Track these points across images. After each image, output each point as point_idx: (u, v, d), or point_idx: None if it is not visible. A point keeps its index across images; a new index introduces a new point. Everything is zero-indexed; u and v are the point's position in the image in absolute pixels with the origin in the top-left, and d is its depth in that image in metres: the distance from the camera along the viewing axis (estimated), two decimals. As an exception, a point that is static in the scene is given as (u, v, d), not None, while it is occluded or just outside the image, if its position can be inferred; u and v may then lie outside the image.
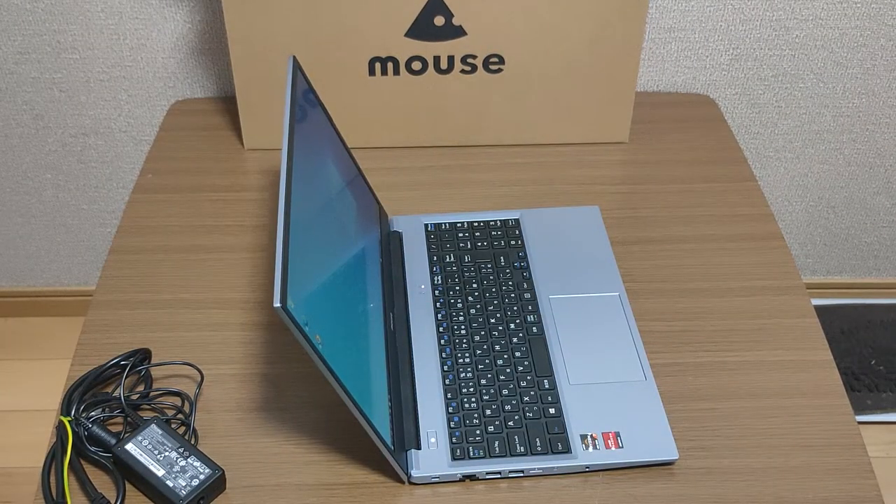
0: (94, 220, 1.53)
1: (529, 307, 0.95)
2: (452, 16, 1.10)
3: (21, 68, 1.34)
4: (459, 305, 0.96)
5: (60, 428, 0.83)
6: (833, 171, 1.48)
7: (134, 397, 0.88)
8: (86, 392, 0.86)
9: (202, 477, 0.79)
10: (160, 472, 0.79)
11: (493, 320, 0.94)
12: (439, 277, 0.99)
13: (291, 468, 0.82)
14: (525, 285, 0.98)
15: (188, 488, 0.78)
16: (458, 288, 0.98)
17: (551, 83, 1.16)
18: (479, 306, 0.96)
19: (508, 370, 0.89)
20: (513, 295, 0.97)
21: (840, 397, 0.88)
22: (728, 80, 1.36)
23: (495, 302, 0.96)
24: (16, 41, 1.31)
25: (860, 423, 0.86)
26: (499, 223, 1.06)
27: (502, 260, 1.01)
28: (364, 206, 0.98)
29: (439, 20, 1.10)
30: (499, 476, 0.82)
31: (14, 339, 1.66)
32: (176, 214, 1.11)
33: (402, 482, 0.81)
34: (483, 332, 0.93)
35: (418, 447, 0.82)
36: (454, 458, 0.82)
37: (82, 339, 0.94)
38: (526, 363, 0.90)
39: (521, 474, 0.82)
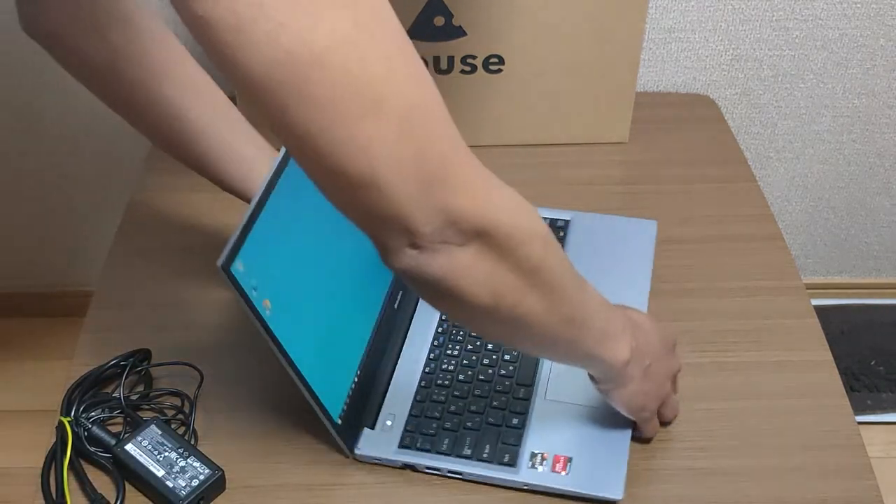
0: (94, 221, 1.53)
1: None
2: (452, 16, 1.10)
3: (21, 67, 1.34)
4: None
5: (60, 428, 0.83)
6: (833, 172, 1.48)
7: (134, 397, 0.88)
8: (86, 392, 0.86)
9: (202, 477, 0.79)
10: (160, 473, 0.79)
11: None
12: None
13: (291, 468, 0.82)
14: None
15: (188, 489, 0.78)
16: None
17: (551, 83, 1.16)
18: None
19: (490, 371, 0.88)
20: None
21: (840, 397, 0.88)
22: (728, 80, 1.36)
23: None
24: (16, 41, 1.31)
25: (860, 423, 0.86)
26: (548, 221, 1.03)
27: None
28: None
29: (439, 20, 1.10)
30: (437, 473, 0.81)
31: (14, 339, 1.65)
32: (176, 214, 1.10)
33: (346, 455, 0.82)
34: None
35: (373, 427, 0.83)
36: (401, 446, 0.82)
37: (82, 339, 0.94)
38: (510, 369, 0.88)
39: (460, 476, 0.81)
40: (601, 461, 0.81)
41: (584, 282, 0.69)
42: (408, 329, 0.92)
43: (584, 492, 0.79)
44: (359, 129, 0.51)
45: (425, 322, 0.93)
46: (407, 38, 0.53)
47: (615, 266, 0.99)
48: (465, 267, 0.58)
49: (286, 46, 0.48)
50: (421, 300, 0.93)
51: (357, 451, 0.82)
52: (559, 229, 1.03)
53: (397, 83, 0.52)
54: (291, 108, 0.50)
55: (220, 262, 0.69)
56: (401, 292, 0.94)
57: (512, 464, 0.81)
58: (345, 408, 0.82)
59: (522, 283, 0.61)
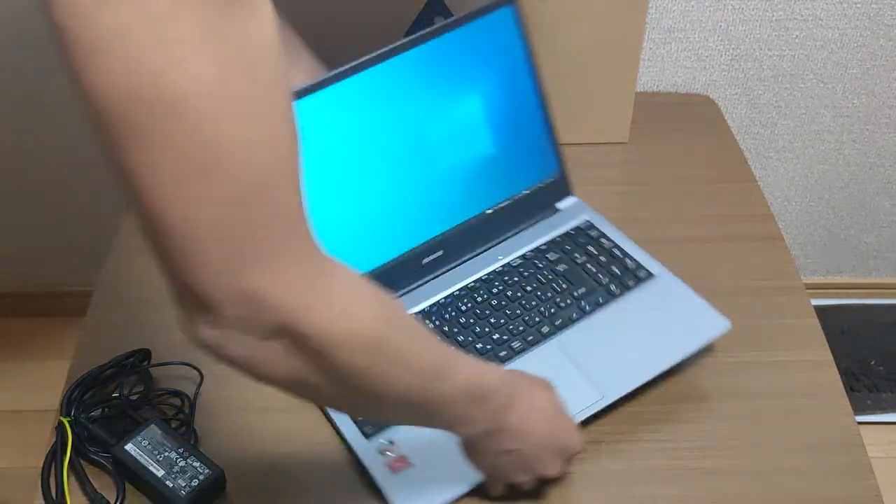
0: (94, 220, 1.53)
1: (542, 333, 0.90)
2: (452, 16, 1.10)
3: (23, 68, 1.34)
4: (501, 287, 0.94)
5: (60, 428, 0.83)
6: (833, 172, 1.48)
7: (134, 397, 0.88)
8: (86, 392, 0.86)
9: (202, 477, 0.79)
10: (160, 473, 0.79)
11: (506, 315, 0.92)
12: (520, 259, 0.97)
13: (291, 468, 0.82)
14: (572, 316, 0.91)
15: (188, 489, 0.78)
16: (517, 278, 0.95)
17: (551, 84, 1.16)
18: (517, 300, 0.93)
19: None
20: (547, 316, 0.92)
21: (840, 397, 0.88)
22: (728, 80, 1.36)
23: (529, 304, 0.93)
24: (18, 41, 1.31)
25: (860, 423, 0.86)
26: (633, 265, 0.96)
27: (584, 289, 0.94)
28: (512, 159, 1.01)
29: (439, 20, 1.10)
30: (320, 409, 0.85)
31: (14, 339, 1.65)
32: (176, 214, 1.10)
33: None
34: (493, 319, 0.91)
35: None
36: None
37: (82, 339, 0.94)
38: None
39: (328, 421, 0.84)
40: (430, 484, 0.78)
41: (449, 368, 0.63)
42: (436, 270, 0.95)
43: (388, 496, 0.78)
44: (187, 187, 0.46)
45: (460, 276, 0.96)
46: (286, 99, 0.48)
47: (655, 336, 0.90)
48: (265, 358, 0.53)
49: (139, 83, 0.44)
50: (472, 260, 0.98)
51: None
52: (638, 278, 0.94)
53: (246, 152, 0.47)
54: (125, 141, 0.46)
55: None
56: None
57: (367, 436, 0.81)
58: None
59: (337, 389, 0.56)
